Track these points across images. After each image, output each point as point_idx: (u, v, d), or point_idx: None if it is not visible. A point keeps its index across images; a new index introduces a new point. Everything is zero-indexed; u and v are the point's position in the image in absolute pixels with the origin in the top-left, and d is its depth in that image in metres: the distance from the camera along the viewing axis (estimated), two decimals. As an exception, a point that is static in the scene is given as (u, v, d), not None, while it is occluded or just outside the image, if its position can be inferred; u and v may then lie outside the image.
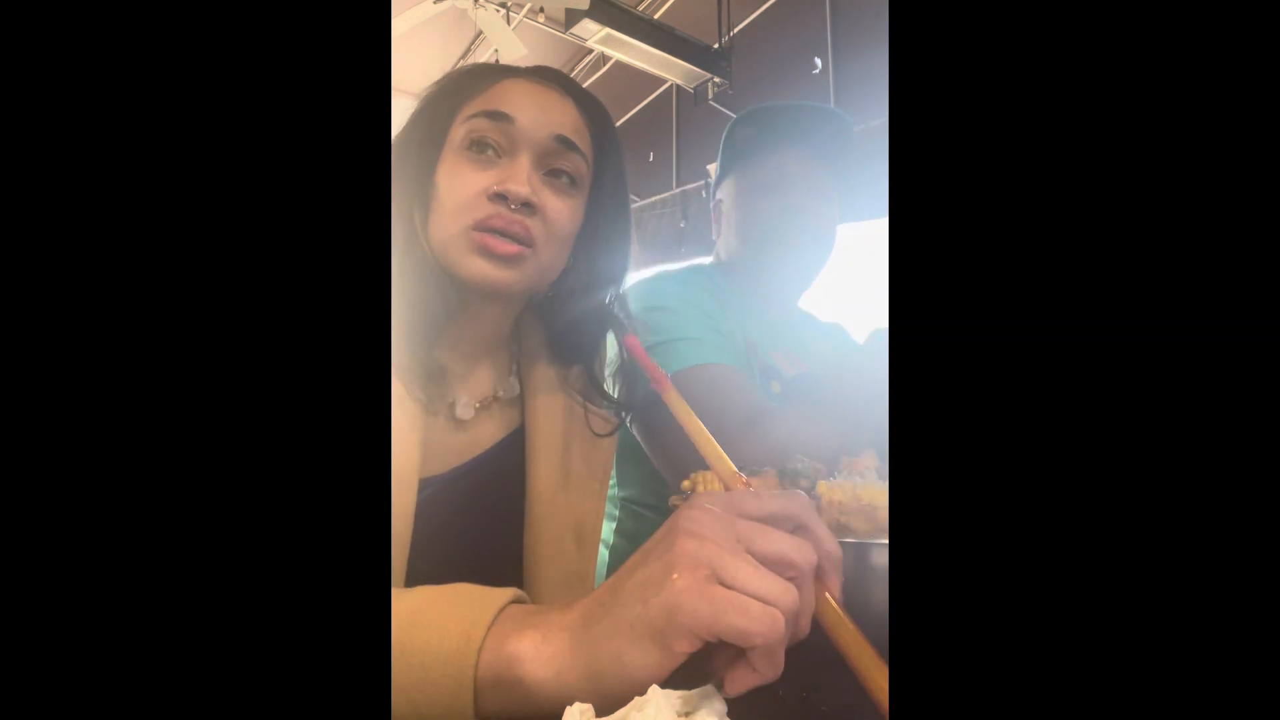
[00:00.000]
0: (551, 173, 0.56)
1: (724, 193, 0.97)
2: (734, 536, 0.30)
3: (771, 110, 0.91)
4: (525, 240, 0.53)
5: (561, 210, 0.56)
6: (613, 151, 0.62)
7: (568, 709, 0.28)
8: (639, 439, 0.81)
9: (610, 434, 0.65)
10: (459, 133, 0.55)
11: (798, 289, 0.97)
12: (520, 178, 0.53)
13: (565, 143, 0.56)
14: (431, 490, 0.56)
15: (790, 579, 0.29)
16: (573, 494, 0.62)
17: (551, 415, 0.62)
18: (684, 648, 0.28)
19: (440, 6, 2.77)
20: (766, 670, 0.29)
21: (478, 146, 0.54)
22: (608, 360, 0.68)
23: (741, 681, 0.30)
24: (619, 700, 0.28)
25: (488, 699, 0.31)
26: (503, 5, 2.95)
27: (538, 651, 0.30)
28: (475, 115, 0.55)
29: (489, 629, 0.31)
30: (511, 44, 2.87)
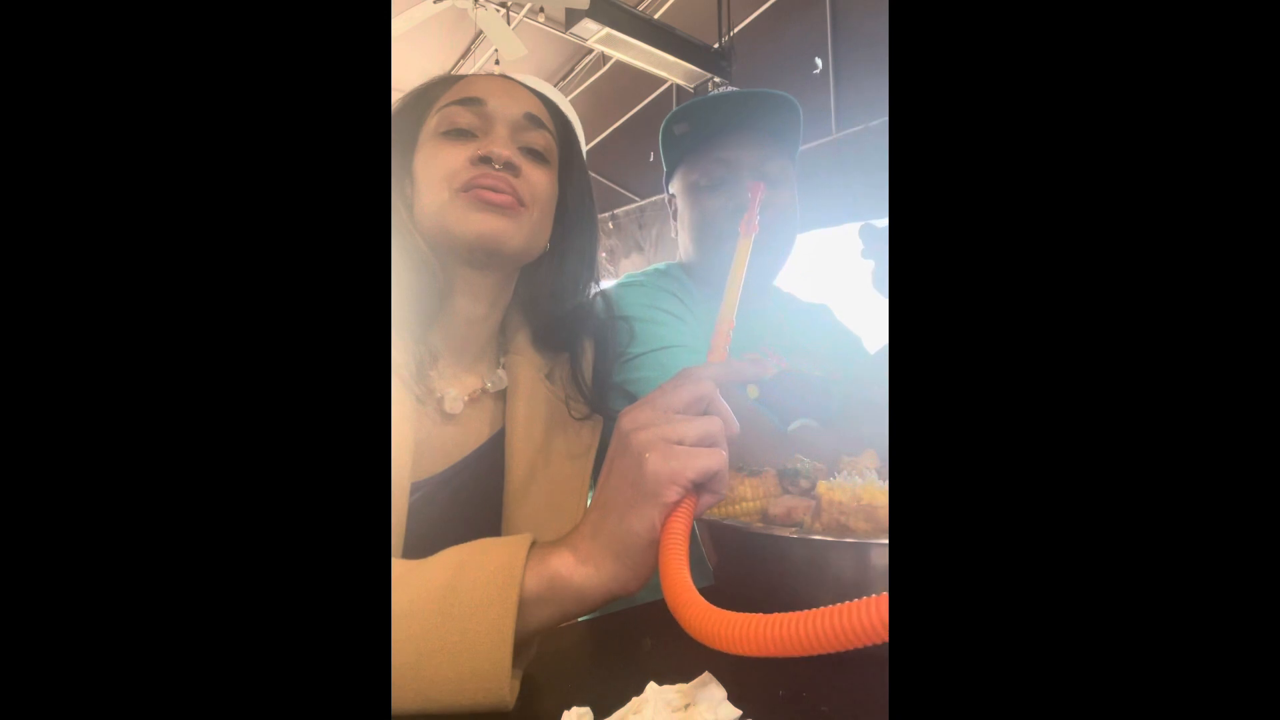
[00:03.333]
0: (524, 147, 0.60)
1: (674, 188, 0.93)
2: (668, 420, 0.39)
3: (708, 103, 0.86)
4: (513, 195, 0.56)
5: (541, 178, 0.60)
6: (572, 138, 0.67)
7: (565, 713, 0.29)
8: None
9: (588, 417, 0.67)
10: (432, 123, 0.59)
11: (763, 282, 0.93)
12: (501, 142, 0.57)
13: (534, 120, 0.61)
14: (423, 493, 0.56)
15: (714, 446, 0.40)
16: (553, 483, 0.62)
17: (532, 406, 0.63)
18: (672, 497, 0.37)
19: (440, 6, 2.76)
20: (721, 489, 0.39)
21: (454, 131, 0.58)
22: (589, 362, 0.70)
23: (705, 506, 0.39)
24: (643, 563, 0.38)
25: (535, 613, 0.38)
26: (503, 5, 2.95)
27: (576, 555, 0.39)
28: (447, 105, 0.59)
29: (529, 554, 0.39)
30: (512, 44, 2.87)
